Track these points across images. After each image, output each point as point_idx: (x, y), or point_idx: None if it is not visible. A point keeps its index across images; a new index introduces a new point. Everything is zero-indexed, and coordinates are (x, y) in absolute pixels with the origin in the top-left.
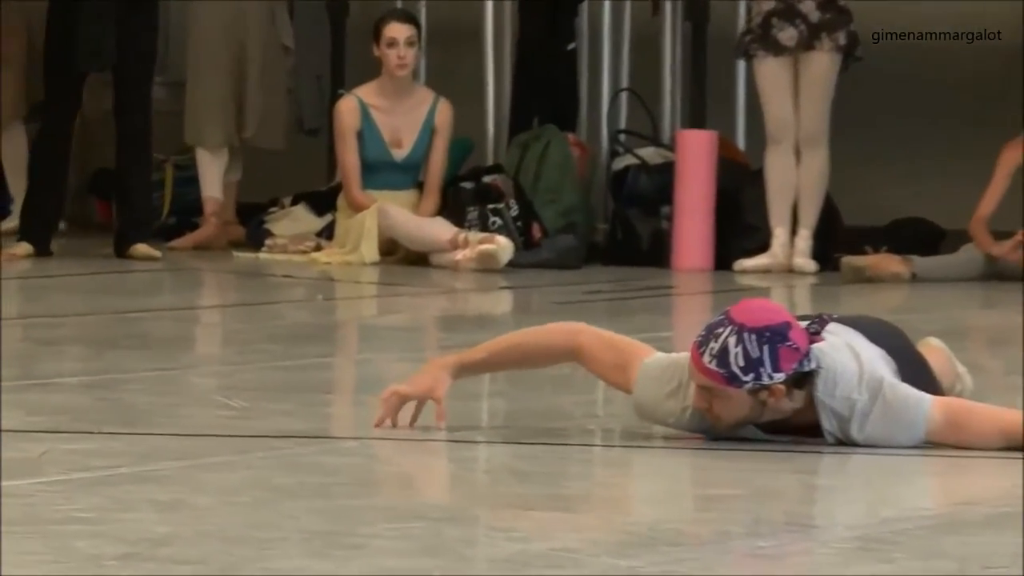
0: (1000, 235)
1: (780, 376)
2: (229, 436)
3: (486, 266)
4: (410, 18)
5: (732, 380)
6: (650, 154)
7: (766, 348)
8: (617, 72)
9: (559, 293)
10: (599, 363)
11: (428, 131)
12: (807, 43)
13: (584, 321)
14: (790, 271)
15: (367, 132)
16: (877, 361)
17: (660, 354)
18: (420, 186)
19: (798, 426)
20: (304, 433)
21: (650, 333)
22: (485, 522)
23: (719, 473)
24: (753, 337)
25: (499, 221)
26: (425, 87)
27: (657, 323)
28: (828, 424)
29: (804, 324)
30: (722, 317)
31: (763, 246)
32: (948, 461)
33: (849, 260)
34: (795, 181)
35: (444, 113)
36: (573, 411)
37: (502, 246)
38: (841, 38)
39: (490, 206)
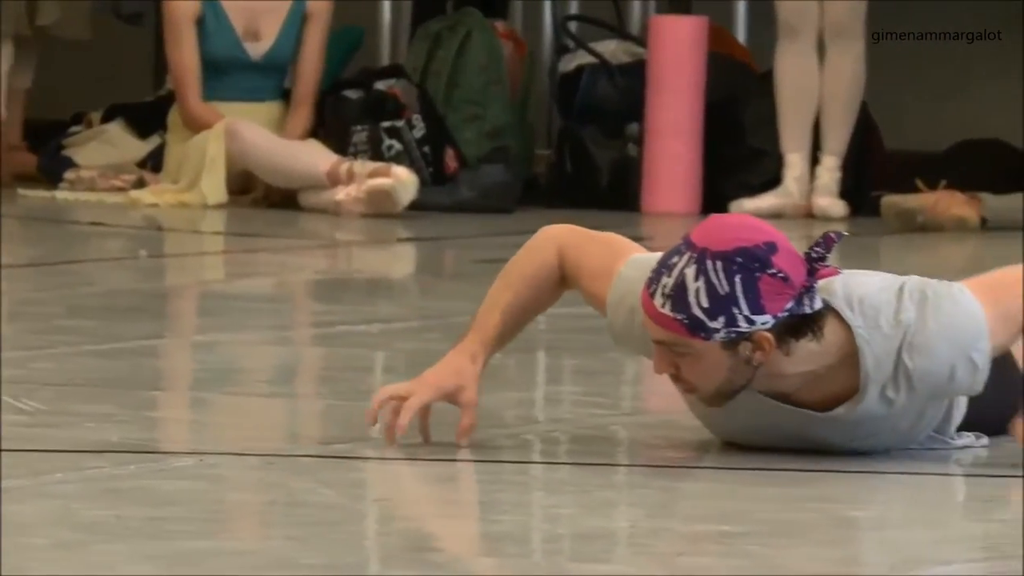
0: None
1: (764, 319)
2: (17, 451)
3: (379, 209)
4: None
5: (695, 328)
6: (613, 50)
7: (738, 279)
8: None
9: (483, 247)
10: (583, 275)
11: (297, 18)
12: None
13: None
14: (810, 215)
15: (210, 19)
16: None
17: (650, 254)
18: (286, 96)
19: (815, 401)
20: (124, 447)
21: None
22: (380, 574)
23: (711, 501)
24: (719, 265)
25: (398, 146)
26: None
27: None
28: (876, 390)
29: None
30: (681, 241)
31: (772, 180)
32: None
33: (893, 200)
34: (817, 89)
35: None
36: (505, 416)
37: (402, 181)
38: None
39: (385, 124)
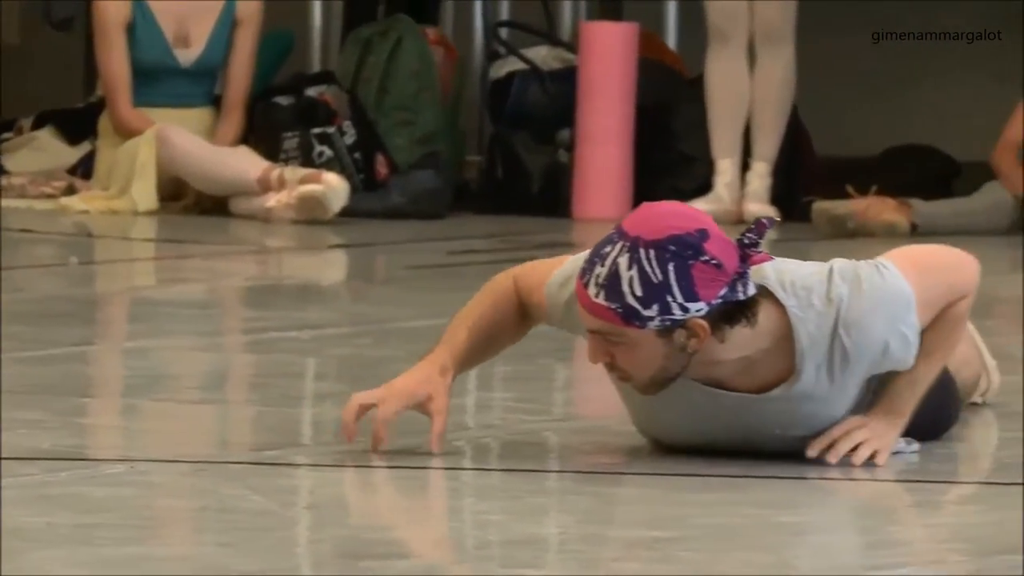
0: None
1: (698, 307)
2: None
3: (310, 215)
4: None
5: (630, 317)
6: (544, 56)
7: (671, 267)
8: None
9: (414, 253)
10: (532, 290)
11: (227, 23)
12: None
13: (453, 290)
14: (741, 221)
15: (141, 24)
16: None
17: (572, 259)
18: (217, 102)
19: (751, 387)
20: (56, 454)
21: None
22: None
23: (643, 507)
24: (652, 253)
25: (328, 152)
26: None
27: None
28: (812, 369)
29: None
30: (613, 230)
31: (703, 186)
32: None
33: (824, 206)
34: (748, 94)
35: None
36: None
37: (332, 187)
38: None
39: (316, 131)
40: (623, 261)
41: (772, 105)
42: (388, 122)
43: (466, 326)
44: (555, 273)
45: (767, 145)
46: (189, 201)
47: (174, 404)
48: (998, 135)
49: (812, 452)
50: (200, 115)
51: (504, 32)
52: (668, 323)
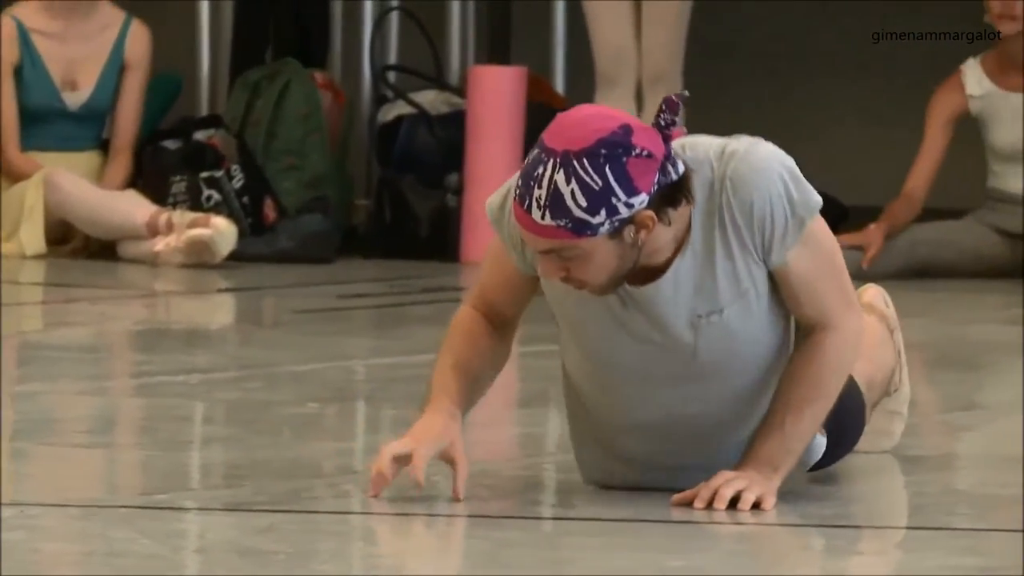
0: (938, 213)
1: (641, 199)
2: None
3: (198, 259)
4: None
5: (581, 229)
6: (432, 100)
7: (608, 170)
8: None
9: (303, 297)
10: (489, 299)
11: (116, 67)
12: None
13: (341, 334)
14: None
15: (28, 67)
16: None
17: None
18: (105, 145)
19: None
20: None
21: (433, 354)
22: None
23: (531, 551)
24: (586, 162)
25: (217, 196)
26: (112, 4)
27: (441, 339)
28: (699, 221)
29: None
30: (536, 151)
31: None
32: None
33: None
34: None
35: (139, 40)
36: (324, 466)
37: (220, 231)
38: None
39: (204, 175)
40: (560, 177)
41: None
42: (276, 166)
43: (451, 369)
44: (489, 203)
45: None
46: (77, 245)
47: (63, 448)
48: (885, 178)
49: (699, 503)
50: (88, 158)
51: (392, 76)
52: (617, 224)
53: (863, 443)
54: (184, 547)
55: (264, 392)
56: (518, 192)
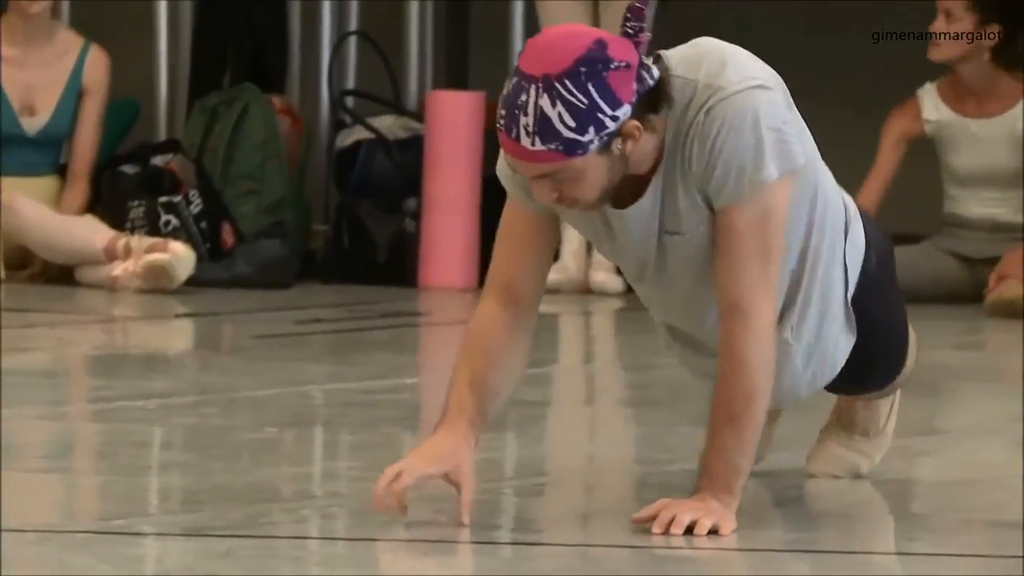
0: (895, 239)
1: (624, 110)
2: None
3: (156, 284)
4: None
5: (572, 149)
6: (390, 125)
7: (591, 87)
8: (343, 10)
9: (261, 322)
10: (496, 267)
11: (74, 92)
12: None
13: (299, 360)
14: (587, 291)
15: None
16: None
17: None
18: (63, 170)
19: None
20: None
21: (391, 379)
22: None
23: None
24: (568, 83)
25: (175, 221)
26: (70, 30)
27: (400, 364)
28: (671, 136)
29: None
30: (515, 79)
31: None
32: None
33: None
34: None
35: (97, 66)
36: (282, 491)
37: (178, 256)
38: None
39: (162, 199)
40: (545, 102)
41: None
42: (234, 191)
43: (468, 386)
44: (497, 168)
45: None
46: (35, 270)
47: (20, 473)
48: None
49: (657, 528)
50: (46, 183)
51: (350, 101)
52: (606, 138)
53: (825, 466)
54: (142, 572)
55: (222, 417)
56: (503, 123)
